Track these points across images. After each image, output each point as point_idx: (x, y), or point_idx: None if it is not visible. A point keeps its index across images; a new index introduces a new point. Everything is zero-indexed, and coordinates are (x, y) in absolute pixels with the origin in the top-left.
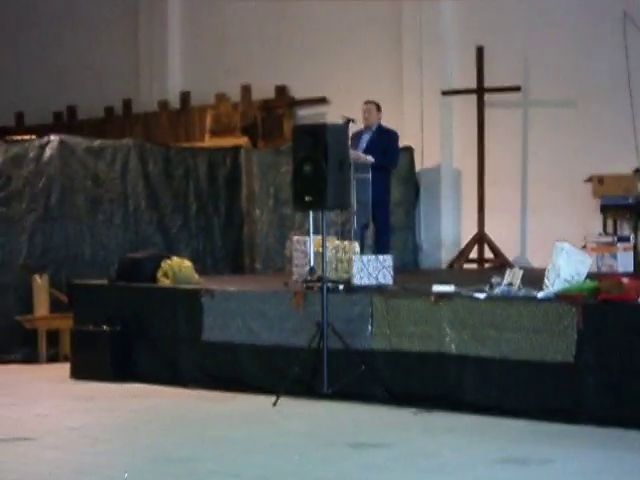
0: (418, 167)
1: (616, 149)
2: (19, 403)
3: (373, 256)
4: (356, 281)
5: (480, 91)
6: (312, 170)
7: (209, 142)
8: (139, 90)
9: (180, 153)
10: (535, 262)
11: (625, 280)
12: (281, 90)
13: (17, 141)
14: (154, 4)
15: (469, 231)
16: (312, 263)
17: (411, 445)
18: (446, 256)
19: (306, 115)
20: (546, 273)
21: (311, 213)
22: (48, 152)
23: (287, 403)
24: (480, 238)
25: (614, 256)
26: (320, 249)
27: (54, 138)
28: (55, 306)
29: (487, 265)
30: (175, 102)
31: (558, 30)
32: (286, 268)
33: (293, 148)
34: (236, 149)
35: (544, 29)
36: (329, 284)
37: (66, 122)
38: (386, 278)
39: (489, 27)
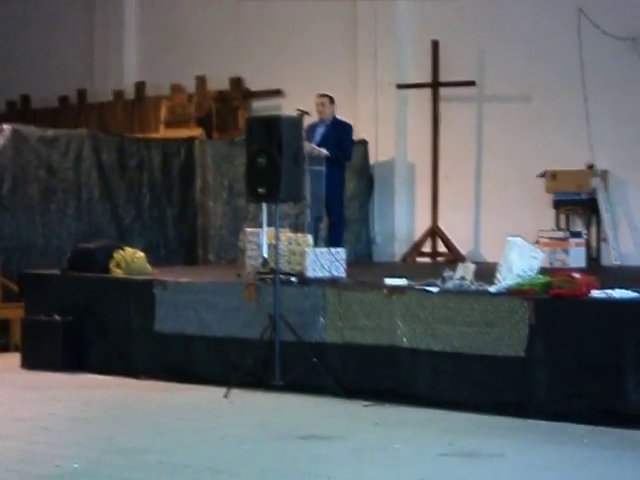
0: (372, 160)
1: (570, 145)
2: None
3: (326, 249)
4: (309, 273)
5: (435, 85)
6: (266, 162)
7: (164, 133)
8: (94, 80)
9: (134, 144)
10: (488, 256)
11: (577, 275)
12: (236, 82)
13: None
14: None
15: (422, 225)
16: (265, 255)
17: (362, 438)
18: (399, 250)
19: (261, 107)
20: (498, 268)
21: (265, 205)
22: (1, 141)
23: (239, 395)
24: (433, 232)
25: (566, 251)
26: (273, 241)
27: (7, 127)
28: (6, 295)
29: (440, 259)
30: (130, 93)
31: (513, 25)
32: (239, 260)
33: (247, 140)
34: (190, 140)
35: (499, 24)
36: (282, 276)
37: (20, 111)
38: (339, 271)
39: (444, 21)
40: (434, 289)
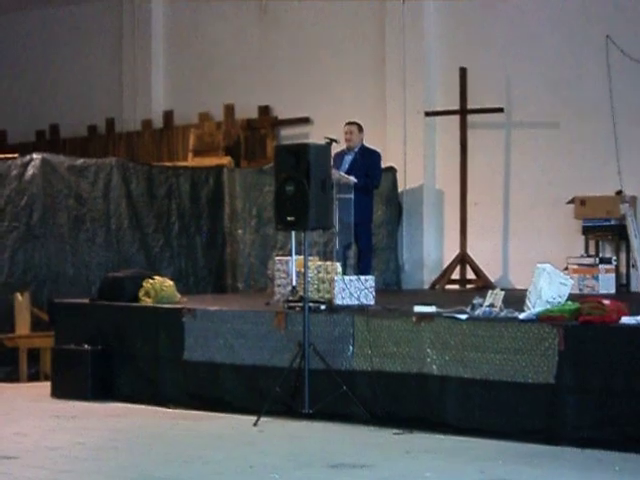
0: (401, 187)
1: (598, 171)
2: None
3: (355, 276)
4: (338, 301)
5: (463, 112)
6: (294, 190)
7: (192, 161)
8: (122, 109)
9: (163, 172)
10: (517, 283)
11: (606, 302)
12: (264, 110)
13: None
14: (138, 23)
15: (451, 252)
16: (294, 283)
17: (392, 466)
18: (428, 277)
19: (289, 135)
20: (527, 294)
21: (293, 233)
22: (31, 170)
23: (268, 423)
24: (462, 259)
25: (596, 278)
26: (302, 269)
27: (37, 156)
28: (36, 324)
29: (469, 286)
30: (158, 121)
31: (541, 52)
32: (268, 288)
33: (275, 168)
34: (219, 168)
35: (527, 50)
36: (311, 304)
37: (49, 140)
38: (368, 298)
39: (472, 48)
40: (463, 316)
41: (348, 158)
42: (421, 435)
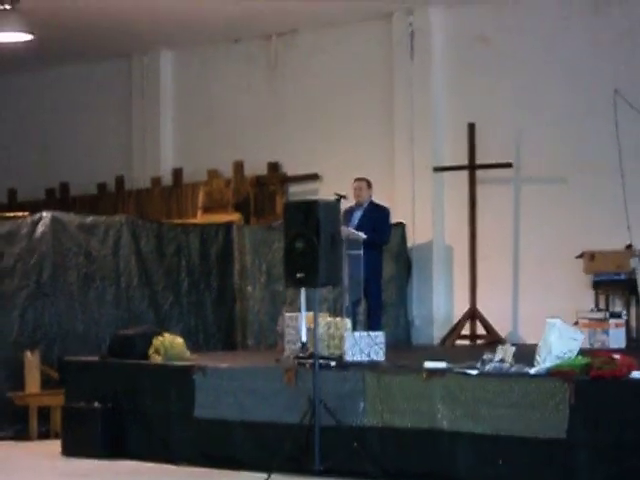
0: (410, 243)
1: (608, 225)
2: None
3: (365, 332)
4: (348, 357)
5: (471, 168)
6: (304, 247)
7: (201, 218)
8: (132, 167)
9: (172, 229)
10: (527, 338)
11: (617, 356)
12: (273, 166)
13: (9, 218)
14: (147, 81)
15: (461, 307)
16: (304, 339)
17: None
18: (438, 332)
19: (298, 191)
20: (538, 349)
21: (303, 289)
22: (40, 229)
23: None
24: (472, 314)
25: (606, 332)
26: (312, 325)
27: (46, 215)
28: (46, 383)
29: (479, 341)
30: (168, 179)
31: (549, 107)
32: (278, 344)
33: (285, 225)
34: (228, 225)
35: (535, 105)
36: (321, 360)
37: (59, 198)
38: (378, 354)
39: (480, 104)
40: (474, 372)
41: (357, 214)
42: None
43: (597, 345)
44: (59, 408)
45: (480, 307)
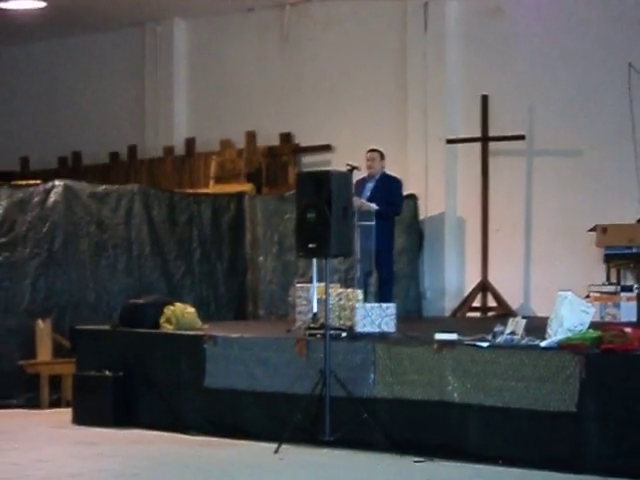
0: (422, 215)
1: (620, 199)
2: (20, 448)
3: (376, 304)
4: (359, 329)
5: (484, 140)
6: (316, 217)
7: (213, 188)
8: (144, 136)
9: (184, 199)
10: (538, 311)
11: (628, 330)
12: (286, 137)
13: (22, 186)
14: (160, 51)
15: (472, 279)
16: (315, 310)
17: None
18: (449, 304)
19: (311, 162)
20: (549, 322)
21: (315, 260)
22: (52, 197)
23: (289, 450)
24: (483, 286)
25: (617, 306)
26: (323, 296)
27: (59, 183)
28: (58, 351)
29: (490, 314)
30: (180, 148)
31: (563, 80)
32: (289, 315)
33: (297, 195)
34: (240, 195)
35: (548, 78)
36: (332, 331)
37: (71, 167)
38: (389, 326)
39: (494, 76)
40: (485, 344)
41: (369, 185)
42: (442, 463)
43: (608, 318)
44: (70, 376)
45: (491, 279)
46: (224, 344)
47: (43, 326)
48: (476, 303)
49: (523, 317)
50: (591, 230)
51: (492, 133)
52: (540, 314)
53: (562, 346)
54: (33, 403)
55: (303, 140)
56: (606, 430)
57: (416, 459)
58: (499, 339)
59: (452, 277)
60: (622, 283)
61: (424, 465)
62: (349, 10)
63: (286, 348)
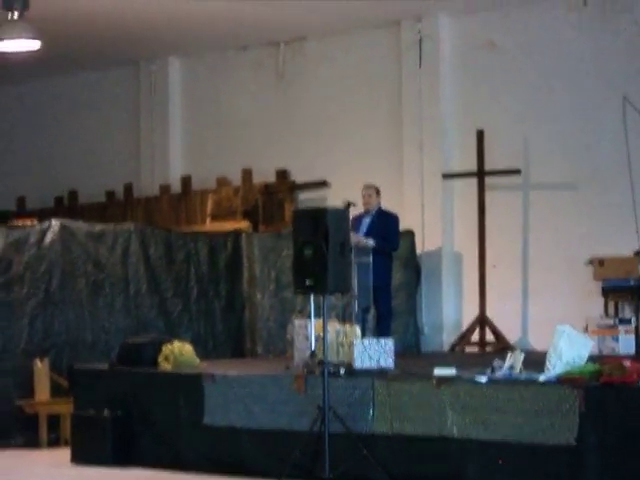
0: (419, 250)
1: (617, 231)
2: None
3: (374, 340)
4: (357, 365)
5: (480, 174)
6: (313, 254)
7: (210, 226)
8: (140, 174)
9: (181, 237)
10: (537, 345)
11: (627, 363)
12: (282, 174)
13: (18, 226)
14: (156, 89)
15: (470, 314)
16: (313, 347)
17: None
18: (447, 339)
19: (307, 199)
20: (547, 356)
21: (312, 297)
22: (49, 237)
23: None
24: (481, 321)
25: (616, 339)
26: (321, 333)
27: (55, 223)
28: (56, 391)
29: (488, 348)
30: (176, 186)
31: (558, 114)
32: (287, 352)
33: (294, 232)
34: (237, 233)
35: (544, 112)
36: (330, 368)
37: (67, 206)
38: (387, 362)
39: (489, 110)
40: (483, 379)
41: (366, 221)
42: None
43: (606, 351)
44: (69, 416)
45: (489, 314)
46: (222, 382)
47: (41, 366)
48: (474, 338)
49: (521, 351)
50: (588, 263)
51: (488, 167)
52: (538, 348)
53: (561, 380)
54: (32, 443)
55: (299, 176)
56: (606, 463)
57: None
58: (498, 374)
59: (450, 312)
60: (620, 316)
61: None
62: (343, 47)
63: (284, 385)
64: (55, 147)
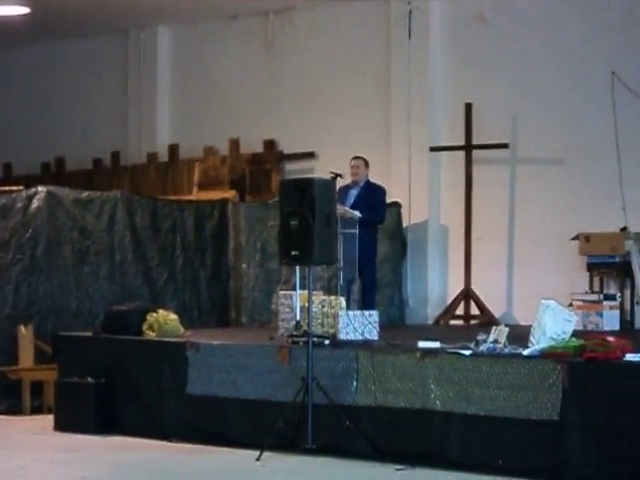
0: (405, 223)
1: (603, 207)
2: (1, 455)
3: (359, 311)
4: (342, 336)
5: (468, 148)
6: (299, 225)
7: (197, 195)
8: (128, 142)
9: (167, 206)
10: (521, 319)
11: (611, 338)
12: (269, 144)
13: (4, 192)
14: (144, 57)
15: (455, 287)
16: (298, 318)
17: None
18: (432, 312)
19: (294, 170)
20: (532, 331)
21: (298, 268)
22: (35, 203)
23: (271, 458)
24: (466, 294)
25: (600, 314)
26: (306, 304)
27: (42, 189)
28: (40, 357)
29: (473, 322)
30: (163, 155)
31: (546, 88)
32: (272, 322)
33: (280, 202)
34: (223, 202)
35: (532, 87)
36: (315, 339)
37: (54, 173)
38: (372, 334)
39: (477, 84)
40: (467, 352)
41: (353, 193)
42: (424, 471)
43: (591, 327)
44: (52, 383)
45: (474, 287)
46: (206, 351)
47: (25, 332)
48: (459, 311)
49: (506, 325)
50: (574, 238)
51: (476, 141)
52: (523, 322)
53: (545, 354)
54: (14, 409)
55: (287, 147)
56: (588, 438)
57: (398, 467)
58: (482, 347)
59: (435, 285)
60: (605, 292)
61: (406, 473)
62: (333, 18)
63: (269, 355)
64: (42, 114)
